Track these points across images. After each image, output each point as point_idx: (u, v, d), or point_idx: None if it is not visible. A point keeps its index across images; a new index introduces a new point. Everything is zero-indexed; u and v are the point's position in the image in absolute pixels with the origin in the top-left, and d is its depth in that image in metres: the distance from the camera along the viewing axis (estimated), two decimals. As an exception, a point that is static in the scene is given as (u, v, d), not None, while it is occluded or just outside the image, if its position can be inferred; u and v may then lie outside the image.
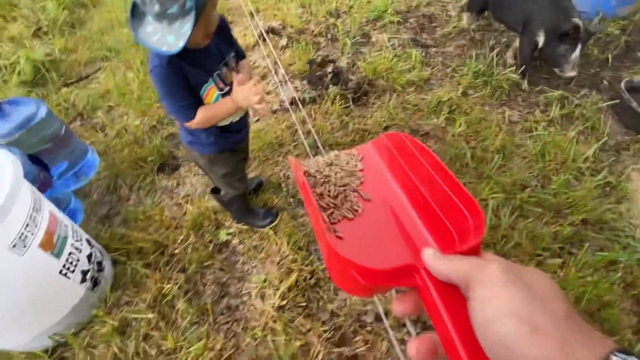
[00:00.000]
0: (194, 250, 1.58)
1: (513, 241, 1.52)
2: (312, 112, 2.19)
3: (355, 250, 0.36)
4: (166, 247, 1.61)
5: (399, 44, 2.74)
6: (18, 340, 1.23)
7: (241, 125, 1.27)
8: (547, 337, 0.22)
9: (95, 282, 1.40)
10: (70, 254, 1.27)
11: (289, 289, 1.42)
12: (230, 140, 1.25)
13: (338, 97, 2.24)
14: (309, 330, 1.33)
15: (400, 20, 3.01)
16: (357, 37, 2.83)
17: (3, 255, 1.02)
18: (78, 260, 1.31)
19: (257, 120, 2.22)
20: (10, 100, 1.62)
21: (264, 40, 2.79)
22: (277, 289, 1.43)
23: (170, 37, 0.84)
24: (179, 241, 1.62)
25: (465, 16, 2.71)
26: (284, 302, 1.39)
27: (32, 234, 1.11)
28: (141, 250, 1.59)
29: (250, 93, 0.95)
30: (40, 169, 1.61)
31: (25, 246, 1.08)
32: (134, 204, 1.77)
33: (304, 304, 1.39)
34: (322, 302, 1.40)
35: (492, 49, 2.53)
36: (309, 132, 2.02)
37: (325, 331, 1.31)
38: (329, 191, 0.45)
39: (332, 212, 0.42)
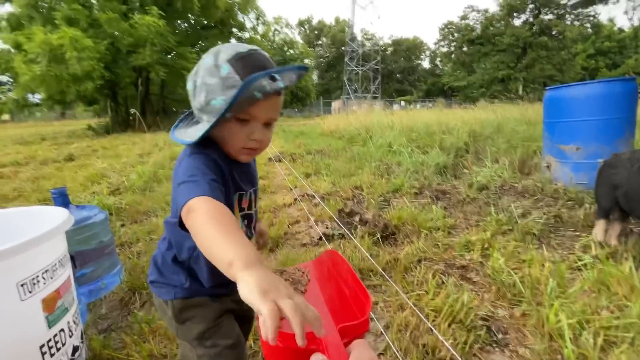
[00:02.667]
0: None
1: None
2: (341, 245, 2.21)
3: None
4: (162, 366, 1.29)
5: (420, 204, 3.04)
6: None
7: None
8: None
9: (63, 389, 1.07)
10: (61, 330, 1.06)
11: None
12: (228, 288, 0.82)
13: (367, 235, 2.32)
14: None
15: (417, 192, 3.46)
16: (380, 200, 3.20)
17: (8, 289, 0.90)
18: (64, 344, 1.07)
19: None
20: (80, 206, 1.83)
21: (299, 200, 3.21)
22: None
23: (200, 126, 0.72)
24: (177, 358, 1.32)
25: (599, 227, 2.13)
26: None
27: (44, 284, 1.00)
28: (131, 365, 1.28)
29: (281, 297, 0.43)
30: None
31: (31, 292, 0.96)
32: (142, 316, 1.57)
33: None
34: None
35: (506, 210, 2.73)
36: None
37: None
38: None
39: None
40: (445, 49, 43.09)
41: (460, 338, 1.33)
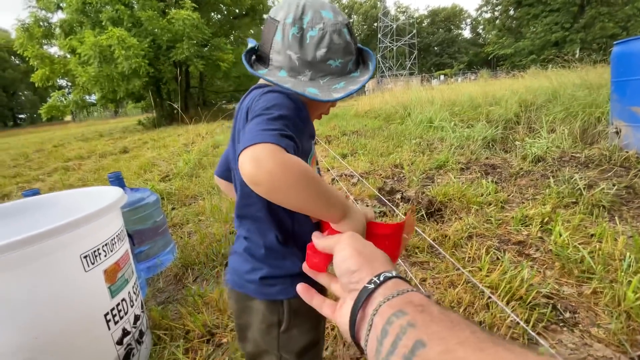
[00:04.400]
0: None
1: None
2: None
3: None
4: (214, 336, 1.35)
5: (467, 179, 2.85)
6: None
7: None
8: (363, 256, 0.40)
9: (128, 354, 1.15)
10: (123, 300, 1.14)
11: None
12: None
13: (410, 212, 2.22)
14: None
15: (463, 167, 3.25)
16: (422, 177, 3.05)
17: (73, 260, 0.98)
18: (126, 313, 1.15)
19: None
20: (134, 189, 1.95)
21: (337, 180, 3.16)
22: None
23: (340, 84, 0.64)
24: (229, 329, 1.36)
25: None
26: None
27: (105, 256, 1.08)
28: (187, 334, 1.35)
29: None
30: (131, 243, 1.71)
31: (93, 263, 1.03)
32: (195, 289, 1.66)
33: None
34: None
35: (569, 181, 2.47)
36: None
37: None
38: None
39: None
40: (488, 15, 39.64)
41: (522, 316, 1.23)
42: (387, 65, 43.42)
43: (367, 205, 2.45)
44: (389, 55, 44.19)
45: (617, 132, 3.20)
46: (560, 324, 1.24)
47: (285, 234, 0.65)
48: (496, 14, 37.73)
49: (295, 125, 0.54)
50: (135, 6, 13.27)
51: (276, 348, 0.68)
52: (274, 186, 0.44)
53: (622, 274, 1.38)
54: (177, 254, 1.98)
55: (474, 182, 2.68)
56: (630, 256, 1.43)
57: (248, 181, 0.45)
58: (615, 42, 3.24)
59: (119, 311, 1.13)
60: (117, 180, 1.77)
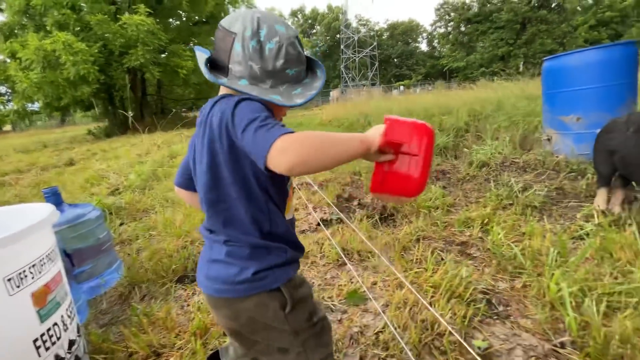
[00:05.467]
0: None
1: (617, 339, 1.11)
2: (340, 229, 2.19)
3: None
4: (159, 356, 1.29)
5: (419, 186, 3.00)
6: None
7: None
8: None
9: (62, 382, 1.07)
10: (55, 324, 1.06)
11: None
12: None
13: (365, 218, 2.29)
14: None
15: (417, 173, 3.42)
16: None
17: (-7, 284, 0.90)
18: (59, 338, 1.08)
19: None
20: (74, 204, 1.83)
21: (297, 189, 3.18)
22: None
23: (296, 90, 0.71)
24: (176, 348, 1.32)
25: (601, 196, 2.10)
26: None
27: (33, 278, 1.00)
28: (130, 357, 1.28)
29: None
30: (69, 263, 1.60)
31: (19, 286, 0.95)
32: (142, 308, 1.58)
33: None
34: None
35: (508, 185, 2.69)
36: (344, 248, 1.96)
37: None
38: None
39: None
40: (442, 30, 42.33)
41: (459, 312, 1.31)
42: (350, 75, 44.61)
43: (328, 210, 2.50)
44: (352, 66, 45.47)
45: (548, 139, 3.54)
46: (494, 317, 1.34)
47: (265, 232, 0.72)
48: (449, 29, 40.39)
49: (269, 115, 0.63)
50: (85, 9, 12.53)
51: (289, 331, 0.74)
52: (306, 159, 0.55)
53: (548, 268, 1.53)
54: (124, 272, 1.87)
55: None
56: (553, 251, 1.59)
57: (288, 170, 0.55)
58: (544, 59, 3.61)
59: (51, 336, 1.05)
60: (54, 195, 1.65)
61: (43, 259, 1.07)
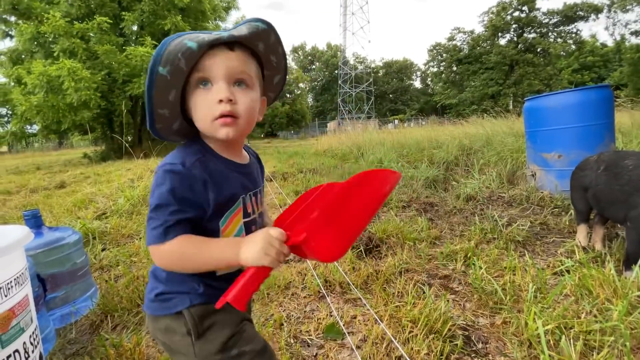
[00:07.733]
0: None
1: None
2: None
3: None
4: (126, 390, 1.24)
5: (407, 216, 3.02)
6: None
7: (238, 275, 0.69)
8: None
9: (15, 417, 1.01)
10: (16, 351, 1.02)
11: None
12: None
13: (350, 249, 2.28)
14: None
15: (405, 205, 3.45)
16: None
17: (-48, 308, 0.87)
18: (18, 367, 1.03)
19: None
20: (53, 227, 1.81)
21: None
22: None
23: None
24: (145, 381, 1.26)
25: (581, 232, 2.15)
26: None
27: (-4, 302, 0.98)
28: (94, 390, 1.22)
29: (272, 249, 0.62)
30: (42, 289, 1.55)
31: (-21, 310, 0.93)
32: (110, 339, 1.52)
33: None
34: None
35: (492, 218, 2.72)
36: (326, 279, 1.93)
37: None
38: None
39: None
40: (435, 69, 44.35)
41: (436, 349, 1.29)
42: (347, 108, 45.97)
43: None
44: (349, 100, 47.01)
45: (533, 175, 3.63)
46: (472, 355, 1.31)
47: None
48: (441, 68, 42.36)
49: (180, 201, 0.65)
50: (93, 39, 13.03)
51: (193, 355, 0.72)
52: (170, 267, 0.68)
53: (527, 304, 1.51)
54: (98, 300, 1.82)
55: (411, 219, 2.84)
56: (533, 287, 1.58)
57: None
58: (525, 99, 3.79)
59: (8, 365, 1.01)
60: (34, 218, 1.65)
61: (10, 282, 1.05)
